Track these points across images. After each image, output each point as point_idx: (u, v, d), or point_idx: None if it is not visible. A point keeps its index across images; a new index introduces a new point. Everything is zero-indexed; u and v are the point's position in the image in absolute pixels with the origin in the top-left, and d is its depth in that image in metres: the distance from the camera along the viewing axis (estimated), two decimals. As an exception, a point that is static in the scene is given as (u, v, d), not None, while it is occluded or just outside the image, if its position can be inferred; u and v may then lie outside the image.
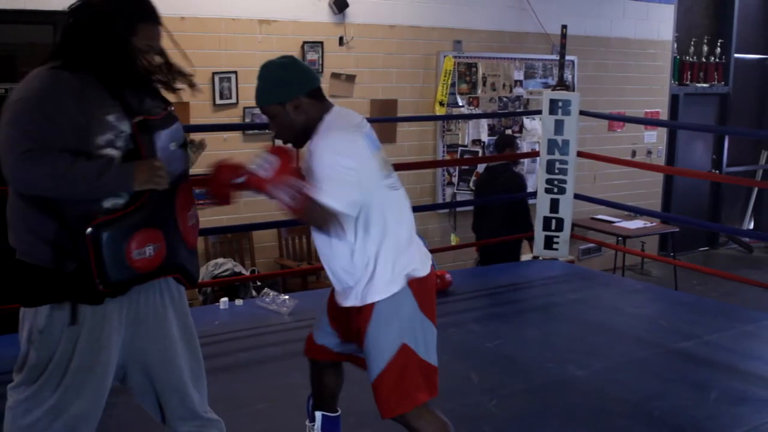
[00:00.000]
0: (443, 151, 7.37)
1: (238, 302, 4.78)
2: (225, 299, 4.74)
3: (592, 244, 7.74)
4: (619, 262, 8.17)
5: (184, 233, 2.29)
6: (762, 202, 10.46)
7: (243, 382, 3.61)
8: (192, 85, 2.36)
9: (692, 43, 9.38)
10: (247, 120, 6.23)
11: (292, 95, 2.40)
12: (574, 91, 6.98)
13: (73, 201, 2.07)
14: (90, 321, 2.13)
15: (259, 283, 5.86)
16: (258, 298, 4.96)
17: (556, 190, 5.65)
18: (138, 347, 2.26)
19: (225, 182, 2.38)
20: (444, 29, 7.23)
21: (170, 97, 2.37)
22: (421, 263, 2.47)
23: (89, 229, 2.06)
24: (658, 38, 8.90)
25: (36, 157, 1.99)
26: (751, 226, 10.43)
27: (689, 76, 9.42)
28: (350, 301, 2.45)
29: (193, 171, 2.48)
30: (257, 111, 6.15)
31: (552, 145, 5.62)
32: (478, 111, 7.47)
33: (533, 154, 6.28)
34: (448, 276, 5.11)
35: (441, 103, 7.21)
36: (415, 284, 2.43)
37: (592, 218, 8.01)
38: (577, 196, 5.79)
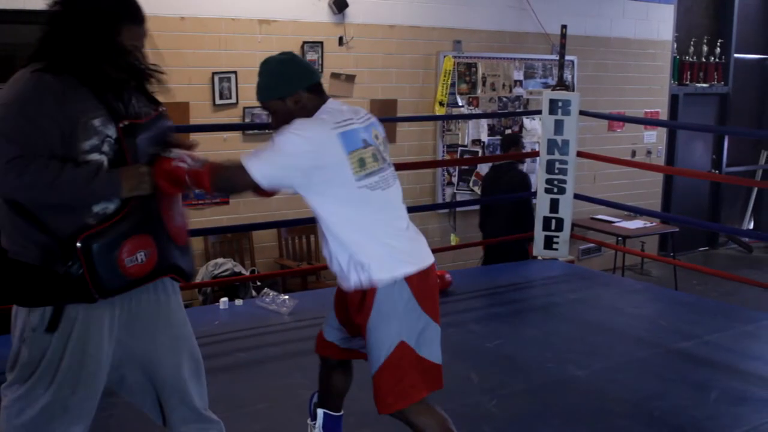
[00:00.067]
0: (443, 151, 7.37)
1: (238, 302, 4.78)
2: (225, 299, 4.74)
3: (591, 244, 7.74)
4: (618, 262, 8.17)
5: (172, 233, 2.29)
6: (762, 202, 10.46)
7: (243, 382, 3.61)
8: (163, 85, 2.33)
9: (692, 43, 9.38)
10: (247, 120, 6.23)
11: (292, 90, 2.42)
12: (573, 91, 6.98)
13: (61, 208, 2.07)
14: (82, 319, 2.13)
15: (258, 283, 5.86)
16: (258, 298, 4.96)
17: (555, 190, 5.65)
18: (133, 346, 2.26)
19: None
20: (444, 29, 7.23)
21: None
22: (398, 261, 2.44)
23: (79, 243, 2.06)
24: (658, 38, 8.91)
25: (23, 164, 1.98)
26: (751, 226, 10.43)
27: (689, 76, 9.42)
28: (344, 285, 2.47)
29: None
30: (257, 111, 6.17)
31: (552, 145, 5.62)
32: (477, 111, 7.47)
33: (533, 154, 6.27)
34: (448, 276, 5.11)
35: (441, 103, 7.21)
36: (414, 281, 2.43)
37: (592, 218, 8.01)
38: (576, 196, 5.79)
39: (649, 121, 8.80)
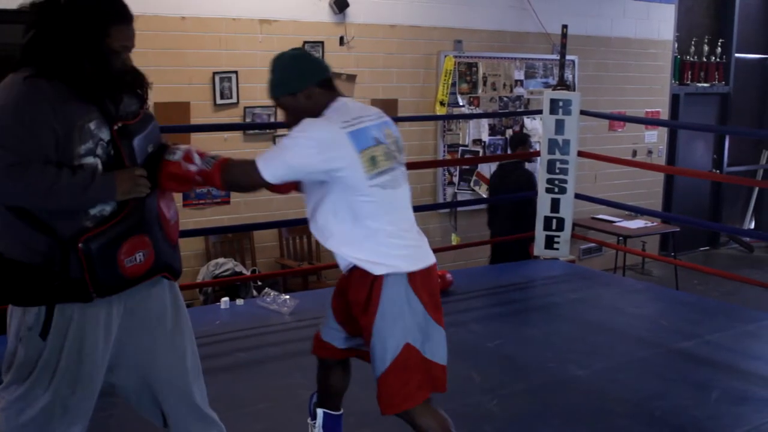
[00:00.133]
0: (444, 151, 7.37)
1: (239, 302, 4.78)
2: (226, 299, 4.74)
3: (592, 244, 7.74)
4: (619, 261, 8.17)
5: (167, 232, 2.31)
6: (763, 202, 10.46)
7: (243, 382, 3.61)
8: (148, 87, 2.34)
9: (693, 42, 9.38)
10: (248, 120, 6.23)
11: (303, 85, 2.43)
12: (574, 90, 6.97)
13: (59, 212, 2.08)
14: (78, 318, 2.13)
15: (259, 283, 5.86)
16: (259, 298, 4.97)
17: (556, 189, 5.65)
18: (130, 344, 2.27)
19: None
20: (444, 29, 7.23)
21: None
22: (402, 259, 2.45)
23: (80, 244, 2.06)
24: (659, 38, 8.90)
25: (19, 171, 1.98)
26: (752, 225, 10.43)
27: (690, 76, 9.42)
28: (344, 264, 2.49)
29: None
30: (258, 111, 6.17)
31: (552, 145, 5.62)
32: (478, 111, 7.47)
33: (534, 154, 6.27)
34: (448, 276, 5.10)
35: (441, 103, 7.21)
36: (417, 281, 2.43)
37: (593, 218, 8.01)
38: (577, 196, 5.79)
39: (650, 121, 8.79)
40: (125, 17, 2.15)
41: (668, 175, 9.22)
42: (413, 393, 2.42)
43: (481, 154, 7.56)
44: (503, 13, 7.57)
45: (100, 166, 2.10)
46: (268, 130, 6.25)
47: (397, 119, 6.83)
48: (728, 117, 9.84)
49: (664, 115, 9.13)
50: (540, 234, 5.74)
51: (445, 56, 7.19)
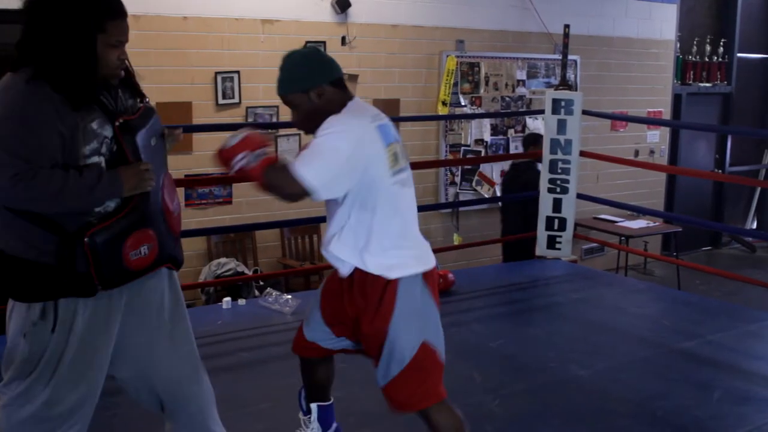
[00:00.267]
0: (446, 151, 7.37)
1: (241, 302, 4.77)
2: (228, 299, 4.74)
3: (594, 244, 7.73)
4: (621, 261, 8.17)
5: (170, 224, 2.32)
6: (765, 202, 10.45)
7: (245, 382, 3.61)
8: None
9: (695, 42, 9.37)
10: (250, 119, 6.23)
11: (315, 83, 2.39)
12: (576, 90, 6.97)
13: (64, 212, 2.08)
14: (83, 312, 2.14)
15: (261, 283, 5.87)
16: (261, 297, 4.96)
17: (558, 189, 5.65)
18: (130, 335, 2.28)
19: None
20: (446, 29, 7.23)
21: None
22: (417, 259, 2.46)
23: (86, 239, 2.07)
24: (661, 38, 8.90)
25: (27, 178, 1.98)
26: (754, 225, 10.42)
27: (692, 76, 9.41)
28: (347, 269, 2.45)
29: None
30: (260, 111, 6.17)
31: (555, 145, 5.62)
32: (480, 111, 7.47)
33: (536, 154, 6.27)
34: (450, 276, 5.10)
35: (443, 103, 7.21)
36: (429, 280, 2.45)
37: (595, 218, 8.01)
38: (579, 196, 5.78)
39: (652, 121, 8.79)
40: (120, 12, 2.15)
41: (670, 175, 9.22)
42: (432, 390, 2.44)
43: (483, 154, 7.56)
44: (505, 13, 7.57)
45: (104, 165, 2.11)
46: (269, 130, 6.25)
47: (399, 119, 6.90)
48: (730, 117, 9.84)
49: (666, 115, 9.13)
50: (542, 234, 5.74)
51: (447, 56, 7.20)
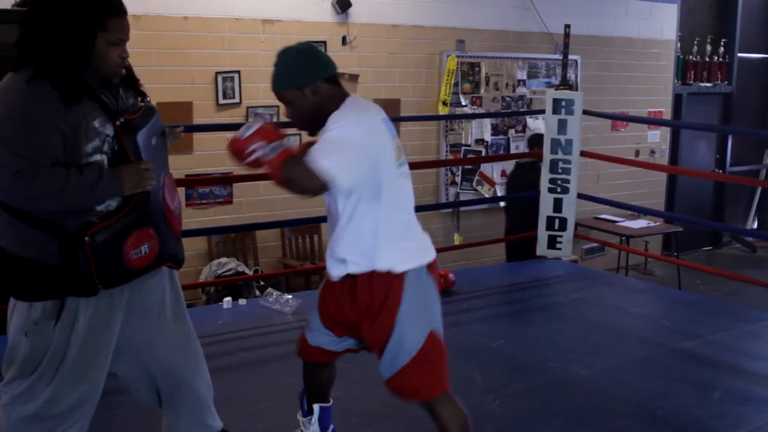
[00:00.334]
0: (446, 151, 7.37)
1: (242, 302, 4.78)
2: (228, 299, 4.74)
3: (595, 244, 7.73)
4: (622, 261, 8.17)
5: (171, 223, 2.33)
6: (765, 202, 10.45)
7: (246, 382, 3.61)
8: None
9: (695, 42, 9.37)
10: (250, 120, 6.22)
11: (310, 79, 2.37)
12: (577, 90, 6.97)
13: (66, 210, 2.08)
14: (84, 311, 2.14)
15: (262, 283, 5.87)
16: (261, 297, 4.97)
17: (559, 189, 5.65)
18: (133, 334, 2.28)
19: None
20: (447, 29, 7.23)
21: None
22: (422, 251, 2.48)
23: (86, 238, 2.07)
24: (662, 38, 8.90)
25: (28, 176, 1.98)
26: (755, 225, 10.42)
27: (692, 76, 9.41)
28: (353, 269, 2.43)
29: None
30: (260, 110, 6.17)
31: (555, 145, 5.62)
32: (481, 110, 7.47)
33: (536, 154, 6.27)
34: (451, 276, 5.10)
35: (444, 103, 7.21)
36: (433, 270, 2.47)
37: (596, 218, 8.00)
38: (580, 196, 5.78)
39: (653, 121, 8.78)
40: (121, 10, 2.16)
41: (671, 174, 9.21)
42: (440, 380, 2.46)
43: (483, 154, 7.55)
44: (506, 12, 7.57)
45: (105, 163, 2.11)
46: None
47: (400, 119, 6.91)
48: (731, 117, 9.83)
49: (667, 114, 9.12)
50: (543, 234, 5.74)
51: (448, 56, 7.19)
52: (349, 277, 2.45)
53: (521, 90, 7.74)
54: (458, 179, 7.51)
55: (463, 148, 7.45)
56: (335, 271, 2.46)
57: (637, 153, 8.88)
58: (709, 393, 3.53)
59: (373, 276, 2.41)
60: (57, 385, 2.14)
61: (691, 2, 9.35)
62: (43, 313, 2.11)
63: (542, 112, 5.92)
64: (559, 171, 5.63)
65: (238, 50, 6.14)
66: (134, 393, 2.41)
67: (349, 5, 6.51)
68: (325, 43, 6.47)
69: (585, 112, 5.71)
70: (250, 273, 5.95)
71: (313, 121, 2.37)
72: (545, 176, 5.69)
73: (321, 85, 2.38)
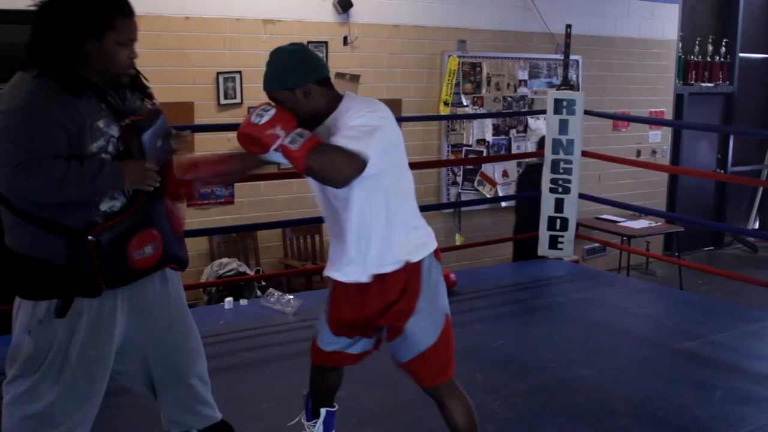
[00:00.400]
0: (447, 151, 7.37)
1: (243, 302, 4.78)
2: (230, 299, 4.75)
3: (596, 244, 7.73)
4: (623, 261, 8.16)
5: (174, 224, 2.34)
6: (767, 202, 10.44)
7: (247, 382, 3.62)
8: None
9: (697, 42, 9.36)
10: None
11: (302, 81, 2.36)
12: (578, 90, 6.97)
13: (70, 207, 2.09)
14: (87, 311, 2.15)
15: (263, 283, 5.87)
16: (262, 297, 4.97)
17: (560, 189, 5.65)
18: (135, 334, 2.29)
19: (179, 180, 2.33)
20: (448, 29, 7.23)
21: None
22: (431, 237, 2.56)
23: (91, 237, 2.08)
24: (663, 38, 8.89)
25: (30, 168, 1.99)
26: (756, 225, 10.42)
27: (694, 76, 9.40)
28: (367, 270, 2.45)
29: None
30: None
31: (556, 145, 5.62)
32: (482, 111, 7.47)
33: (537, 154, 6.27)
34: (452, 276, 5.10)
35: (445, 103, 7.21)
36: (439, 257, 2.55)
37: (597, 218, 8.00)
38: (581, 196, 5.78)
39: (654, 121, 8.78)
40: (128, 10, 2.18)
41: (672, 175, 9.21)
42: (451, 363, 2.54)
43: (484, 154, 7.55)
44: (507, 13, 7.57)
45: (110, 161, 2.12)
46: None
47: (401, 119, 6.89)
48: (732, 117, 9.83)
49: (668, 115, 9.12)
50: (544, 234, 5.74)
51: (449, 56, 7.19)
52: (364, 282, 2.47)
53: (522, 90, 7.73)
54: (459, 179, 7.51)
55: (464, 148, 7.45)
56: (353, 277, 2.47)
57: (639, 153, 8.88)
58: (710, 393, 3.53)
59: (385, 275, 2.45)
60: (61, 385, 2.15)
61: (692, 2, 9.35)
62: (48, 312, 2.12)
63: (543, 112, 5.92)
64: (561, 171, 5.63)
65: (239, 50, 6.14)
66: (129, 384, 2.42)
67: (351, 5, 6.51)
68: (326, 43, 6.48)
69: (586, 112, 5.72)
70: (252, 273, 5.95)
71: (304, 122, 2.35)
72: (547, 176, 5.68)
73: (313, 87, 2.38)
